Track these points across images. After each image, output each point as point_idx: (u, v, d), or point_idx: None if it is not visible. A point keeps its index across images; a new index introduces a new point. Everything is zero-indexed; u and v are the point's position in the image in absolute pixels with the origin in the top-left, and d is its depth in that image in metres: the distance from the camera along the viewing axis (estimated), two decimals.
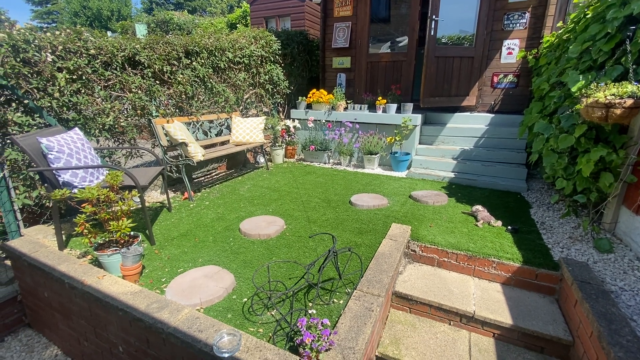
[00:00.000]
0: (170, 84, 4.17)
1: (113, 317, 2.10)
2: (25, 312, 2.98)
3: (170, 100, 4.22)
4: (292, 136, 6.14)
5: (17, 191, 2.89)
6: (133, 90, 3.71)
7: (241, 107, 5.52)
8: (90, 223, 2.49)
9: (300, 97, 6.17)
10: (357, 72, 6.54)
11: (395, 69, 6.20)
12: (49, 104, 3.00)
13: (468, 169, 4.87)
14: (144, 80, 3.83)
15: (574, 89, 2.93)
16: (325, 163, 5.88)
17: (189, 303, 2.02)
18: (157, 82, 4.01)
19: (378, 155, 5.41)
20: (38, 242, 2.79)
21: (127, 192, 2.48)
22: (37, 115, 2.99)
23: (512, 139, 4.98)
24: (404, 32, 6.20)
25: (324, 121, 5.96)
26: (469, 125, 5.41)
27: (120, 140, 3.76)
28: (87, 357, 2.52)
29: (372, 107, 5.93)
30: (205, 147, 4.80)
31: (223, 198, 4.04)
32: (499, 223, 3.31)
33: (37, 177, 2.97)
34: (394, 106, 5.49)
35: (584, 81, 2.91)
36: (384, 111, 5.62)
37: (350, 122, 5.64)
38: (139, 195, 2.53)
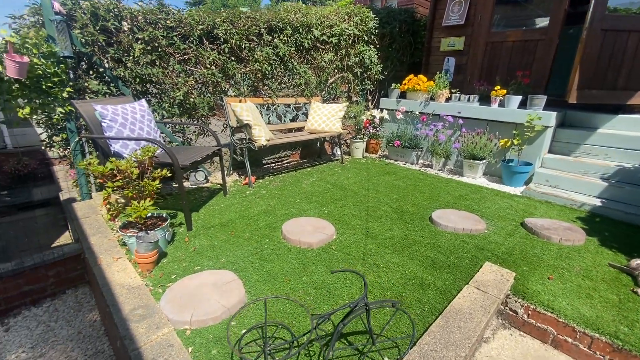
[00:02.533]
0: (247, 61, 3.93)
1: (105, 309, 1.85)
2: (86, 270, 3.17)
3: (245, 80, 3.99)
4: (377, 128, 5.34)
5: (91, 156, 3.03)
6: (207, 65, 3.57)
7: (323, 92, 5.02)
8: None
9: (393, 84, 5.30)
10: (470, 56, 5.25)
11: (525, 52, 4.70)
12: (122, 74, 3.03)
13: (627, 198, 3.26)
14: (220, 56, 3.65)
15: None
16: (412, 163, 4.93)
17: (178, 318, 1.61)
18: (233, 58, 3.80)
19: (484, 161, 4.17)
20: (96, 208, 2.85)
21: (158, 170, 2.23)
22: (113, 84, 3.06)
23: None
24: (546, 12, 4.59)
25: (417, 113, 4.96)
26: (637, 134, 3.66)
27: (192, 117, 3.70)
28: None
29: (485, 100, 4.64)
30: (277, 132, 4.49)
31: (282, 189, 3.63)
32: None
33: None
34: (517, 99, 4.12)
35: None
36: (502, 105, 4.30)
37: (452, 116, 4.52)
38: (175, 175, 2.27)
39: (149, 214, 2.35)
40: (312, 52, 4.62)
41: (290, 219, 2.82)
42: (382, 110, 5.40)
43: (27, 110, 2.52)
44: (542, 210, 3.25)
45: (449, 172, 4.52)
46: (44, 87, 2.59)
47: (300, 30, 4.30)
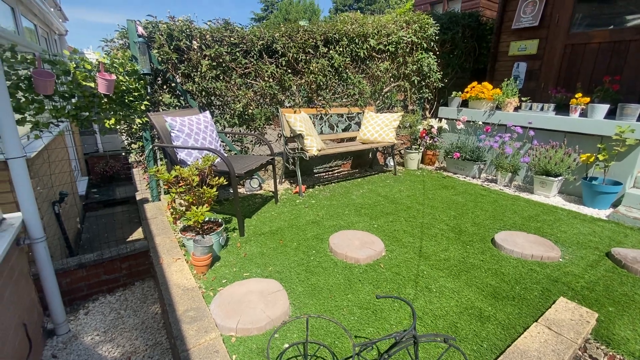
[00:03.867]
0: (302, 73, 4.03)
1: (163, 306, 1.99)
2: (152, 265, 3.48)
3: (300, 91, 4.09)
4: (435, 139, 5.07)
5: (162, 162, 3.34)
6: (266, 78, 3.73)
7: (378, 102, 4.92)
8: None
9: (454, 92, 5.00)
10: (545, 60, 4.73)
11: (614, 54, 4.08)
12: (190, 88, 3.30)
13: None
14: (277, 69, 3.80)
15: None
16: (473, 177, 4.56)
17: (225, 324, 1.66)
18: (290, 71, 3.93)
19: (560, 178, 3.69)
20: (163, 209, 3.13)
21: (217, 177, 2.37)
22: (182, 98, 3.35)
23: None
24: (637, 7, 3.94)
25: (480, 123, 4.60)
26: None
27: (250, 127, 3.89)
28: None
29: (563, 109, 4.12)
30: (329, 141, 4.51)
31: (331, 199, 3.61)
32: None
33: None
34: (604, 108, 3.59)
35: None
36: (583, 115, 3.78)
37: (521, 127, 4.10)
38: (231, 182, 2.38)
39: (206, 219, 2.50)
40: (368, 62, 4.58)
41: (338, 231, 2.78)
42: (440, 119, 5.13)
43: (112, 121, 2.88)
44: (634, 239, 2.75)
45: (517, 188, 4.08)
46: (126, 100, 2.94)
47: (356, 40, 4.29)
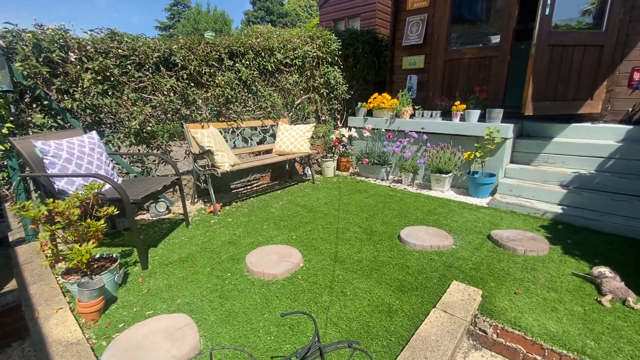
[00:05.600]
0: (208, 86, 3.86)
1: None
2: None
3: (207, 105, 3.91)
4: (347, 147, 5.37)
5: (36, 194, 2.80)
6: (165, 92, 3.47)
7: (291, 113, 5.01)
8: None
9: (359, 103, 5.39)
10: (431, 73, 5.44)
11: (481, 68, 4.92)
12: (70, 106, 2.87)
13: (586, 203, 3.38)
14: (179, 82, 3.57)
15: None
16: (383, 180, 4.95)
17: None
18: (193, 84, 3.72)
19: (450, 175, 4.25)
20: (41, 251, 2.61)
21: (105, 208, 2.07)
22: (60, 117, 2.89)
23: None
24: (498, 30, 4.87)
25: (383, 130, 5.04)
26: (589, 141, 3.85)
27: (151, 146, 3.55)
28: None
29: (447, 115, 4.78)
30: (244, 155, 4.40)
31: (249, 215, 3.51)
32: None
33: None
34: (477, 113, 4.28)
35: None
36: (463, 119, 4.44)
37: (416, 132, 4.61)
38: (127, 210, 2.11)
39: (96, 256, 2.17)
40: (277, 75, 4.63)
41: (256, 248, 2.70)
42: (350, 128, 5.46)
43: None
44: (507, 221, 3.30)
45: (418, 186, 4.56)
46: None
47: (263, 54, 4.31)
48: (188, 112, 3.73)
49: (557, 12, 3.85)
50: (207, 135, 3.38)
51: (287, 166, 4.98)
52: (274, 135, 4.64)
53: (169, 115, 3.58)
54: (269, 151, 4.61)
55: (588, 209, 3.35)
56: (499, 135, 3.91)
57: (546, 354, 1.74)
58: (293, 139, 4.43)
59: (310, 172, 4.95)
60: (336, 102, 5.62)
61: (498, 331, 1.90)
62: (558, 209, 3.41)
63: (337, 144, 5.26)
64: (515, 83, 5.43)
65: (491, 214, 3.51)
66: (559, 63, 4.01)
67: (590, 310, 1.96)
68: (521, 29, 5.88)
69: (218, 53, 3.87)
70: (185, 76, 3.60)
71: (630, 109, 3.99)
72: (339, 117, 5.96)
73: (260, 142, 4.50)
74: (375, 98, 5.18)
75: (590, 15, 4.28)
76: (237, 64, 4.07)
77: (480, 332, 1.97)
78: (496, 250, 2.70)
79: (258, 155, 4.57)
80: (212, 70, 3.83)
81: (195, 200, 3.93)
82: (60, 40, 2.80)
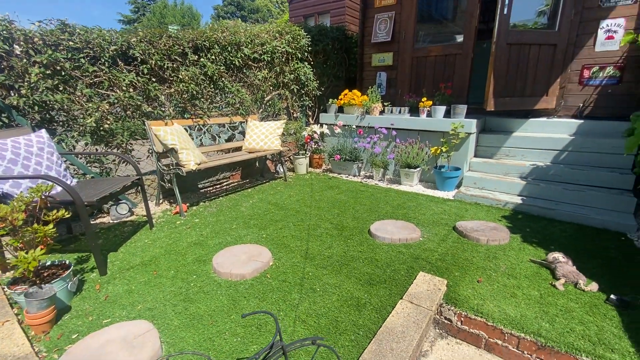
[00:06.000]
0: (171, 82, 3.70)
1: None
2: None
3: (171, 101, 3.74)
4: (319, 143, 5.36)
5: None
6: (124, 88, 3.28)
7: (261, 110, 4.92)
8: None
9: (330, 100, 5.39)
10: (399, 70, 5.55)
11: (446, 65, 5.07)
12: (17, 103, 2.64)
13: (542, 193, 3.59)
14: (139, 78, 3.39)
15: None
16: (355, 176, 4.99)
17: None
18: (155, 79, 3.55)
19: (418, 169, 4.36)
20: None
21: (54, 211, 1.92)
22: (5, 114, 2.65)
23: (612, 154, 3.57)
24: (463, 28, 5.03)
25: (354, 127, 5.08)
26: (544, 135, 4.09)
27: (110, 144, 3.35)
28: None
29: (415, 111, 4.89)
30: (212, 153, 4.27)
31: (218, 215, 3.41)
32: (594, 286, 2.11)
33: None
34: (442, 109, 4.40)
35: None
36: (429, 115, 4.56)
37: (385, 128, 4.69)
38: (89, 211, 1.97)
39: (47, 263, 2.02)
40: (245, 71, 4.52)
41: (224, 248, 2.63)
42: (322, 125, 5.45)
43: None
44: (472, 213, 3.43)
45: (389, 181, 4.64)
46: None
47: (229, 48, 4.19)
48: (150, 109, 3.55)
49: (515, 13, 4.03)
50: (170, 132, 3.24)
51: (257, 164, 4.89)
52: (243, 133, 4.54)
53: (129, 112, 3.39)
54: (238, 149, 4.50)
55: (544, 199, 3.56)
56: (463, 130, 4.05)
57: (506, 337, 1.82)
58: (263, 135, 4.35)
59: (282, 170, 4.90)
60: (307, 98, 5.59)
61: (462, 319, 1.96)
62: (518, 200, 3.59)
63: (308, 140, 5.23)
64: (479, 80, 5.66)
65: (457, 206, 3.63)
66: (517, 61, 4.21)
67: (545, 294, 2.08)
68: (484, 28, 6.13)
69: (181, 47, 3.71)
70: (145, 71, 3.42)
71: (581, 105, 4.27)
72: (310, 113, 5.93)
73: (229, 140, 4.38)
74: (345, 95, 5.20)
75: (545, 16, 4.53)
76: (202, 59, 3.93)
77: (446, 321, 2.03)
78: (461, 241, 2.80)
79: (227, 153, 4.45)
80: (175, 65, 3.67)
81: (161, 201, 3.77)
82: (4, 32, 2.56)
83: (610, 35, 3.96)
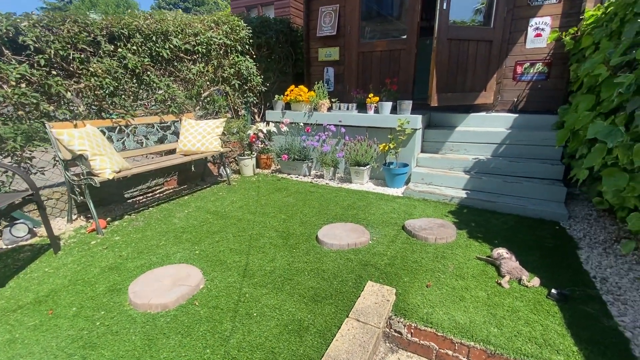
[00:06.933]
0: (79, 76, 3.14)
1: None
2: None
3: (82, 98, 3.18)
4: (265, 142, 5.04)
5: None
6: (13, 83, 2.68)
7: (197, 107, 4.46)
8: None
9: (277, 96, 5.08)
10: (346, 66, 5.41)
11: (392, 61, 5.04)
12: None
13: (485, 186, 3.67)
14: (34, 70, 2.80)
15: None
16: (305, 175, 4.76)
17: None
18: (56, 72, 2.98)
19: (368, 167, 4.25)
20: None
21: None
22: None
23: (543, 146, 3.76)
24: (406, 25, 5.00)
25: (302, 124, 4.84)
26: (485, 129, 4.21)
27: (0, 152, 2.73)
28: None
29: (363, 107, 4.79)
30: (141, 157, 3.76)
31: (144, 230, 2.96)
32: (536, 282, 2.11)
33: None
34: (389, 105, 4.33)
35: None
36: (377, 111, 4.47)
37: (334, 125, 4.51)
38: None
39: None
40: (176, 63, 4.04)
41: (146, 271, 2.24)
42: (268, 123, 5.13)
43: None
44: (420, 209, 3.38)
45: (340, 180, 4.49)
46: None
47: (154, 38, 3.68)
48: (52, 108, 2.97)
49: (455, 11, 4.07)
50: (77, 136, 2.72)
51: (192, 167, 4.42)
52: (177, 133, 4.07)
53: (21, 112, 2.79)
54: (172, 151, 4.02)
55: (487, 192, 3.64)
56: (409, 126, 4.02)
57: (456, 347, 1.71)
58: (200, 136, 3.93)
59: (225, 173, 4.50)
60: (251, 94, 5.22)
61: (412, 330, 1.83)
62: (463, 194, 3.62)
63: (254, 140, 4.89)
64: (423, 76, 5.73)
65: (406, 203, 3.57)
66: (457, 57, 4.26)
67: (492, 293, 2.02)
68: (428, 26, 6.23)
69: (92, 35, 3.16)
70: (43, 62, 2.84)
71: (516, 99, 4.47)
72: (256, 111, 5.57)
73: (160, 141, 3.89)
74: (292, 90, 4.93)
75: (481, 14, 4.67)
76: (120, 49, 3.40)
77: (396, 334, 1.89)
78: (410, 242, 2.70)
79: (160, 157, 3.95)
80: (83, 56, 3.11)
81: (74, 217, 3.20)
82: None
83: (539, 33, 4.16)
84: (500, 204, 3.35)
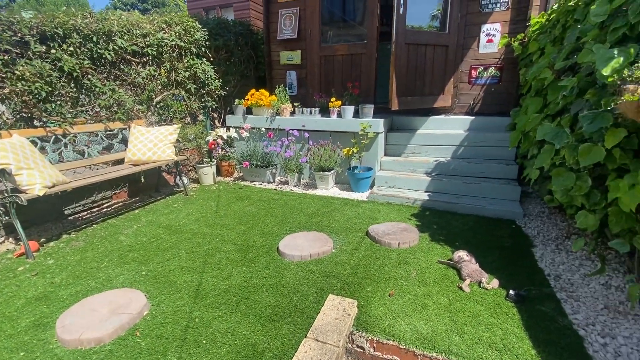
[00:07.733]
0: (3, 80, 2.78)
1: None
2: None
3: (7, 105, 2.82)
4: (226, 149, 4.82)
5: None
6: None
7: (149, 113, 4.16)
8: None
9: (237, 100, 4.89)
10: (309, 69, 5.33)
11: (353, 65, 5.03)
12: None
13: (446, 188, 3.72)
14: None
15: (605, 72, 1.81)
16: (269, 182, 4.60)
17: None
18: None
19: (333, 172, 4.18)
20: None
21: None
22: None
23: (499, 147, 3.89)
24: (366, 29, 5.01)
25: (264, 129, 4.68)
26: (444, 131, 4.30)
27: None
28: None
29: (326, 111, 4.72)
30: (81, 170, 3.42)
31: (85, 250, 2.66)
32: (495, 283, 2.13)
33: None
34: (351, 109, 4.30)
35: (621, 58, 1.79)
36: (340, 115, 4.42)
37: (297, 130, 4.40)
38: None
39: None
40: (122, 66, 3.74)
41: (80, 300, 1.98)
42: (229, 128, 4.91)
43: None
44: (384, 213, 3.36)
45: (305, 186, 4.38)
46: None
47: (95, 38, 3.37)
48: None
49: (413, 16, 4.13)
50: (0, 148, 2.38)
51: (142, 178, 4.07)
52: (125, 142, 3.75)
53: None
54: (120, 161, 3.70)
55: (448, 193, 3.69)
56: (372, 130, 4.00)
57: (417, 359, 1.65)
58: (152, 144, 3.65)
59: (182, 182, 4.23)
60: (210, 99, 4.98)
61: (374, 345, 1.75)
62: (425, 196, 3.65)
63: (214, 146, 4.65)
64: (385, 80, 5.79)
65: (370, 207, 3.54)
66: (415, 61, 4.33)
67: (454, 299, 2.00)
68: (388, 31, 6.31)
69: (18, 34, 2.81)
70: None
71: (472, 102, 4.61)
72: (216, 116, 5.33)
73: (106, 150, 3.56)
74: (253, 94, 4.76)
75: (437, 20, 4.79)
76: (54, 50, 3.07)
77: (358, 349, 1.79)
78: (373, 248, 2.64)
79: (107, 168, 3.62)
80: (7, 58, 2.76)
81: (1, 239, 2.81)
82: None
83: (490, 39, 4.33)
84: (460, 205, 3.40)
